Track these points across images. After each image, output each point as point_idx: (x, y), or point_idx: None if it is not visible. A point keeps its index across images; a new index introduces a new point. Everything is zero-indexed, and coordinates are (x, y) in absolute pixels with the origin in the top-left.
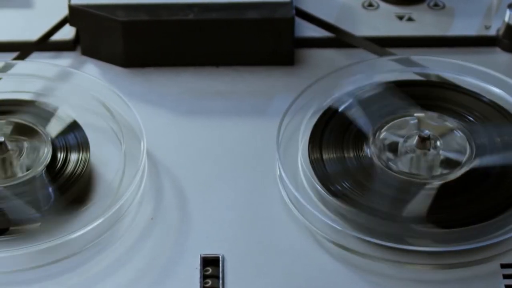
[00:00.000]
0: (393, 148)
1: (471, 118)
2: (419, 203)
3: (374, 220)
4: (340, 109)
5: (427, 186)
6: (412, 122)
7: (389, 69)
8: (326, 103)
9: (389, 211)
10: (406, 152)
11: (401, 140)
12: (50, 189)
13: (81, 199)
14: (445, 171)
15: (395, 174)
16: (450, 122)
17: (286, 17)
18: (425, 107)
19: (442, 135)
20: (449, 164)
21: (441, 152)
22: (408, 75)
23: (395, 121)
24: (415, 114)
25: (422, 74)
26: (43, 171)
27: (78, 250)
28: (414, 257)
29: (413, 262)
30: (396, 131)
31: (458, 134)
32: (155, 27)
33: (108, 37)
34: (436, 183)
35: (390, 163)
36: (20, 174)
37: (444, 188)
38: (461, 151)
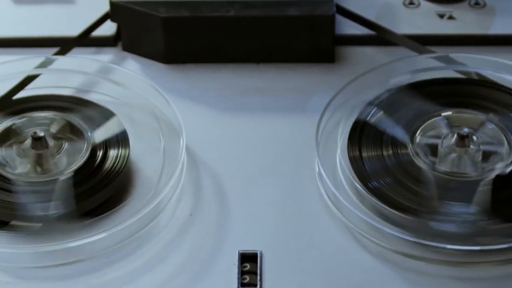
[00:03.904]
0: (432, 150)
1: None
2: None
3: (411, 218)
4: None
5: (482, 183)
6: (443, 122)
7: (428, 67)
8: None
9: (427, 210)
10: (447, 152)
11: (439, 141)
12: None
13: (120, 194)
14: (490, 165)
15: (437, 174)
16: (480, 116)
17: (326, 14)
18: (464, 105)
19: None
20: (490, 156)
21: (480, 146)
22: (449, 72)
23: (426, 123)
24: (444, 114)
25: (461, 72)
26: (70, 176)
27: (117, 245)
28: (451, 255)
29: (450, 260)
30: (430, 133)
31: (490, 126)
32: (196, 23)
33: (149, 33)
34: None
35: (431, 163)
36: (51, 172)
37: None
38: (499, 143)
